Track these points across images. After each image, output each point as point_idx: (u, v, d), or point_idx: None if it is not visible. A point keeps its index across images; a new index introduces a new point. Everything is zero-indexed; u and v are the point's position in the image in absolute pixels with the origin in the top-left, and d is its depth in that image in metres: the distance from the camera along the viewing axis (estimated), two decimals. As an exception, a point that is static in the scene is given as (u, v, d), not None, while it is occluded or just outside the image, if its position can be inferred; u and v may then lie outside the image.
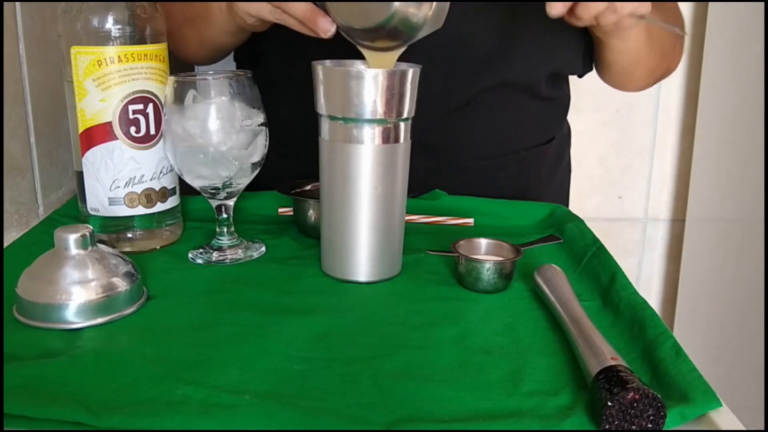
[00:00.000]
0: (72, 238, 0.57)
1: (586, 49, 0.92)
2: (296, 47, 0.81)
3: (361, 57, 0.67)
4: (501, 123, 0.91)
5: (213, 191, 0.70)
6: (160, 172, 0.72)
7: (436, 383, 0.50)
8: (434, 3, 0.60)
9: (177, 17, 0.82)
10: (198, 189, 0.70)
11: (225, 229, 0.72)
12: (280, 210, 0.85)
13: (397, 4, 0.59)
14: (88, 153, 0.70)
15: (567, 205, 1.03)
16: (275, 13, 0.68)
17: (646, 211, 1.64)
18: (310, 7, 0.64)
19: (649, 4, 0.68)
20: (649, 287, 1.68)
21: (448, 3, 0.62)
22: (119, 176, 0.70)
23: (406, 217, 0.70)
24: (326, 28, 0.64)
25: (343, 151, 0.64)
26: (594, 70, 0.96)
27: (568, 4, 0.64)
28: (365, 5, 0.61)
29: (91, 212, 0.72)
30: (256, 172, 0.70)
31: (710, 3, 1.44)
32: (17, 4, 0.76)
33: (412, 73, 0.63)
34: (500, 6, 0.83)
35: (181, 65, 0.82)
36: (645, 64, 0.89)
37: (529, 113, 0.93)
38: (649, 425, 0.43)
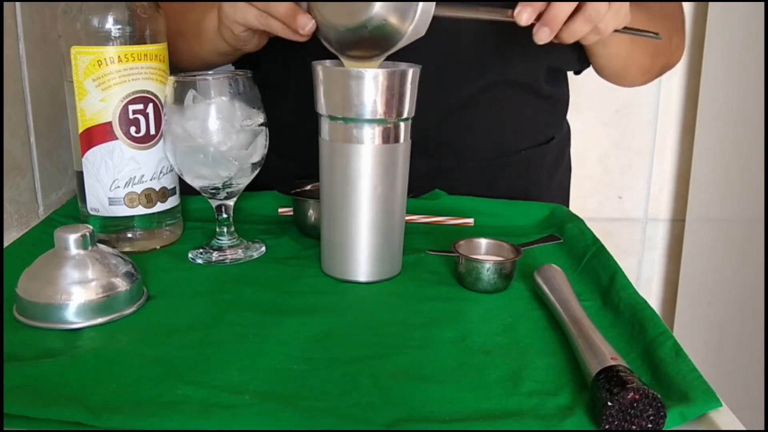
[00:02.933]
0: (72, 238, 0.57)
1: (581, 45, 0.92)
2: (295, 47, 0.81)
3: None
4: (501, 122, 0.91)
5: (213, 191, 0.70)
6: (160, 172, 0.72)
7: (436, 383, 0.50)
8: (419, 5, 0.60)
9: (170, 29, 0.82)
10: (198, 189, 0.70)
11: (225, 229, 0.72)
12: (280, 210, 0.85)
13: (379, 3, 0.59)
14: (88, 153, 0.70)
15: (567, 205, 1.03)
16: (260, 18, 0.69)
17: (646, 211, 1.64)
18: (291, 6, 0.66)
19: (628, 17, 0.70)
20: (649, 287, 1.68)
21: (432, 7, 0.62)
22: (119, 176, 0.70)
23: (406, 217, 0.70)
24: (304, 23, 0.65)
25: (343, 151, 0.64)
26: (589, 66, 0.96)
27: (555, 30, 0.66)
28: (349, 3, 0.61)
29: (91, 212, 0.72)
30: (256, 172, 0.70)
31: (710, 3, 1.44)
32: (17, 4, 0.76)
33: (412, 73, 0.63)
34: (496, 4, 0.83)
35: (175, 69, 0.82)
36: (636, 63, 0.89)
37: (529, 112, 0.93)
38: (649, 425, 0.43)
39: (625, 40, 0.82)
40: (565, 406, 0.47)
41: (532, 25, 0.66)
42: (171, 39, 0.74)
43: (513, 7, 0.65)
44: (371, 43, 0.62)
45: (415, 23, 0.61)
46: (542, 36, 0.66)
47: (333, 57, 0.67)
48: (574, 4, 0.65)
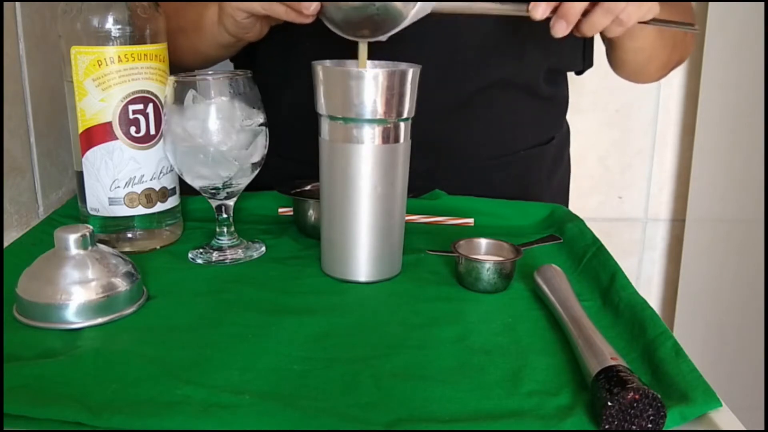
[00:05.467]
0: (72, 238, 0.57)
1: (586, 45, 0.92)
2: (292, 46, 0.81)
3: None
4: (501, 123, 0.91)
5: (213, 191, 0.70)
6: (160, 172, 0.72)
7: (436, 383, 0.50)
8: None
9: (170, 26, 0.82)
10: (198, 189, 0.70)
11: (225, 229, 0.72)
12: (280, 210, 0.84)
13: None
14: (88, 153, 0.70)
15: (567, 205, 1.03)
16: (264, 4, 0.68)
17: (646, 211, 1.64)
18: None
19: (656, 7, 0.68)
20: (649, 287, 1.68)
21: None
22: (119, 176, 0.70)
23: (406, 217, 0.70)
24: (308, 3, 0.64)
25: (343, 151, 0.64)
26: (592, 67, 0.96)
27: (572, 23, 0.64)
28: None
29: (91, 212, 0.72)
30: (256, 172, 0.70)
31: (710, 3, 1.44)
32: (17, 4, 0.76)
33: (412, 73, 0.63)
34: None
35: (176, 67, 0.82)
36: (658, 58, 0.88)
37: (529, 113, 0.93)
38: (649, 425, 0.43)
39: (652, 33, 0.80)
40: (565, 406, 0.47)
41: (548, 20, 0.64)
42: (171, 36, 0.74)
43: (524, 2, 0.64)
44: (378, 21, 0.62)
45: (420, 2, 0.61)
46: (559, 29, 0.64)
47: (332, 57, 0.67)
48: None
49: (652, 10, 0.67)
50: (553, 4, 0.63)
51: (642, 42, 0.81)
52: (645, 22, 0.68)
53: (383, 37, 0.64)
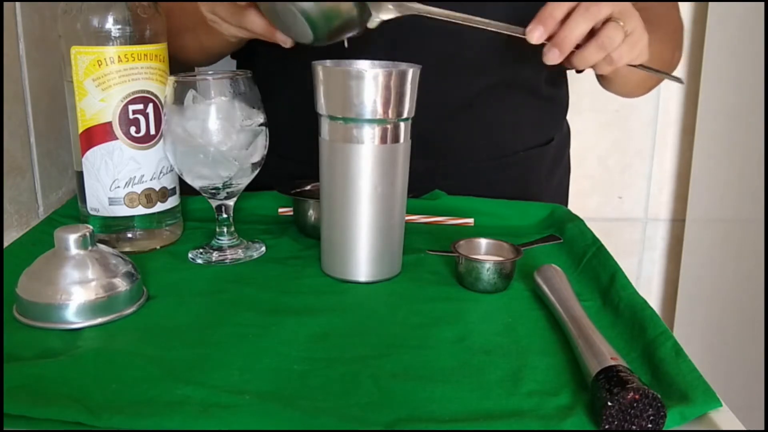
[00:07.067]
0: (72, 238, 0.57)
1: None
2: (292, 46, 0.81)
3: (360, 57, 0.67)
4: (501, 123, 0.91)
5: (213, 191, 0.70)
6: (160, 172, 0.72)
7: (436, 383, 0.50)
8: None
9: (175, 25, 0.82)
10: (198, 189, 0.70)
11: (225, 229, 0.72)
12: (280, 210, 0.85)
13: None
14: (88, 153, 0.70)
15: (566, 205, 1.03)
16: (243, 32, 0.72)
17: (646, 211, 1.64)
18: (266, 28, 0.69)
19: (646, 54, 0.70)
20: (649, 287, 1.68)
21: None
22: (119, 176, 0.70)
23: (406, 217, 0.70)
24: (283, 40, 0.69)
25: (343, 151, 0.64)
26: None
27: (565, 53, 0.66)
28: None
29: (91, 212, 0.72)
30: (256, 172, 0.70)
31: (710, 3, 1.44)
32: (17, 4, 0.76)
33: (412, 73, 0.63)
34: (497, 5, 0.83)
35: (181, 65, 0.82)
36: (644, 84, 0.90)
37: (529, 114, 0.93)
38: (649, 425, 0.43)
39: (639, 73, 0.82)
40: (565, 406, 0.47)
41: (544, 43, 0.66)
42: (176, 35, 0.74)
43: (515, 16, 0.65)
44: (344, 24, 0.64)
45: None
46: (551, 57, 0.66)
47: (332, 57, 0.67)
48: (587, 28, 0.65)
49: (642, 55, 0.70)
50: (550, 31, 0.65)
51: (630, 75, 0.83)
52: (633, 66, 0.70)
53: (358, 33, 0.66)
